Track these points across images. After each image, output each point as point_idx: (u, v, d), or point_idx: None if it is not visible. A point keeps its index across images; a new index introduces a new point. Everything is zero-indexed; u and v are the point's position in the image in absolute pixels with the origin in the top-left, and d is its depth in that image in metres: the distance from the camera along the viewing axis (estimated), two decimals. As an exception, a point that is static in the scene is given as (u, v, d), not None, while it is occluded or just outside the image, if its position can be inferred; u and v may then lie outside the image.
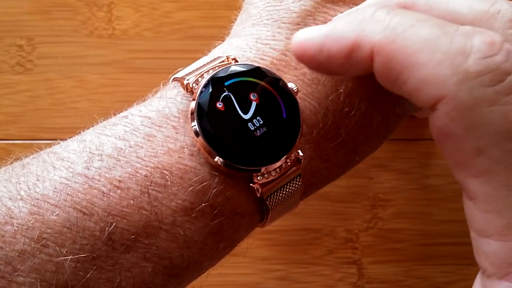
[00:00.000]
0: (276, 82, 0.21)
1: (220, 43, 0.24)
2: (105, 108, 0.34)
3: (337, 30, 0.18)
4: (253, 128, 0.20)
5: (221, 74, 0.21)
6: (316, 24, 0.23)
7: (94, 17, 0.35)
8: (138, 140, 0.20)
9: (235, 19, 0.25)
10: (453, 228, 0.34)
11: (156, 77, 0.34)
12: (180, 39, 0.35)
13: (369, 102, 0.23)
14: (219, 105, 0.20)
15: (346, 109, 0.22)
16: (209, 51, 0.24)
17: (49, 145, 0.21)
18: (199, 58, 0.23)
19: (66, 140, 0.21)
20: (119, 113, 0.22)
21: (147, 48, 0.35)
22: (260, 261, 0.34)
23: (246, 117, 0.20)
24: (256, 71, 0.21)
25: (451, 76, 0.16)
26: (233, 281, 0.34)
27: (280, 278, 0.34)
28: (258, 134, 0.20)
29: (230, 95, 0.20)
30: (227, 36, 0.24)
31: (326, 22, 0.22)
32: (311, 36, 0.19)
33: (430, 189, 0.35)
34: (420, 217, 0.34)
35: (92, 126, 0.21)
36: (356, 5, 0.22)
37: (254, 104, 0.21)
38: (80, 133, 0.21)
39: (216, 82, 0.20)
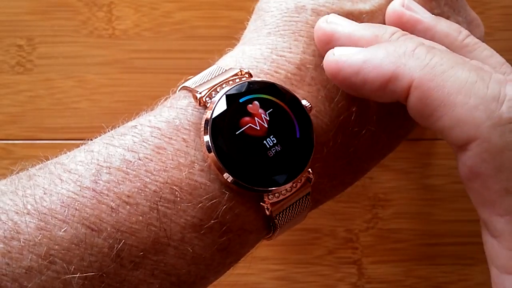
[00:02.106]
0: (291, 100, 0.21)
1: (230, 50, 0.23)
2: (105, 108, 0.34)
3: (378, 58, 0.19)
4: (266, 148, 0.20)
5: (236, 91, 0.20)
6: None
7: (94, 17, 0.35)
8: (147, 152, 0.19)
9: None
10: (453, 228, 0.34)
11: (156, 77, 0.35)
12: (180, 39, 0.35)
13: (378, 122, 0.23)
14: (234, 123, 0.20)
15: (356, 129, 0.22)
16: (220, 56, 0.23)
17: (51, 147, 0.21)
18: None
19: (69, 140, 0.20)
20: (127, 121, 0.21)
21: (147, 48, 0.35)
22: (259, 261, 0.34)
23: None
24: (271, 88, 0.21)
25: (486, 120, 0.17)
26: (233, 281, 0.33)
27: (280, 278, 0.34)
28: (271, 155, 0.20)
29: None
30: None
31: None
32: (348, 57, 0.19)
33: (430, 189, 0.35)
34: (420, 217, 0.34)
35: (100, 135, 0.21)
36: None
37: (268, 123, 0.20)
38: (87, 142, 0.20)
39: (231, 99, 0.20)
